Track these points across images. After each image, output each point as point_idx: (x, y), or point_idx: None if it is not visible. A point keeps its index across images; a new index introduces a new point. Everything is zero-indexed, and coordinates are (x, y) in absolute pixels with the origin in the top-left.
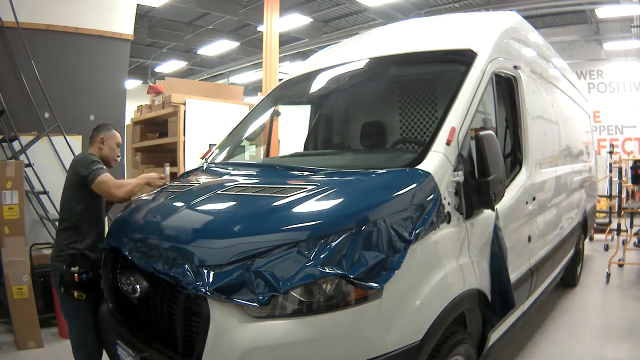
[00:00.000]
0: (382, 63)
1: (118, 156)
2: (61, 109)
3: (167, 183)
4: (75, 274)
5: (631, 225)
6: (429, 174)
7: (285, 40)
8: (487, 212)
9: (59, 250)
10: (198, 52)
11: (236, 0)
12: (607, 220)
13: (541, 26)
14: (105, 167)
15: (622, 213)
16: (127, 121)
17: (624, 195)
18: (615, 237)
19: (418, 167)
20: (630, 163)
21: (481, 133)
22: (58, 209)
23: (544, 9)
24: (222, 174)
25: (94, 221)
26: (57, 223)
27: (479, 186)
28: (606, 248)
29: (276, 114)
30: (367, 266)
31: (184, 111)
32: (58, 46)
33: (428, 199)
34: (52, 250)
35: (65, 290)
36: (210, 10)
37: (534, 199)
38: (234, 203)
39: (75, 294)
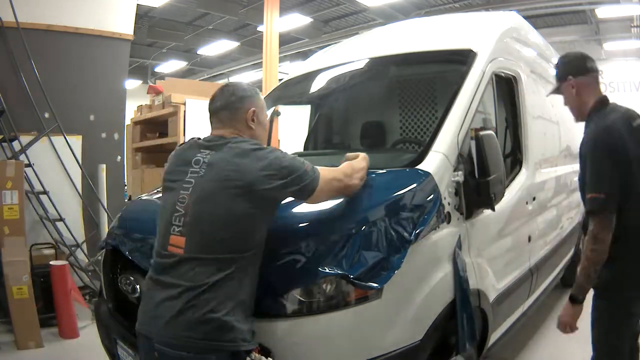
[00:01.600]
0: (382, 63)
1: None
2: (61, 109)
3: None
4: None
5: None
6: (429, 174)
7: (285, 40)
8: (487, 213)
9: (210, 327)
10: (198, 52)
11: (236, 0)
12: None
13: (541, 26)
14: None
15: None
16: (127, 121)
17: None
18: None
19: (418, 167)
20: None
21: (481, 133)
22: (58, 210)
23: (544, 9)
24: None
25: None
26: (57, 223)
27: (479, 186)
28: None
29: (276, 114)
30: (367, 266)
31: (184, 111)
32: (58, 46)
33: (428, 199)
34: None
35: None
36: (210, 10)
37: (534, 199)
38: None
39: None
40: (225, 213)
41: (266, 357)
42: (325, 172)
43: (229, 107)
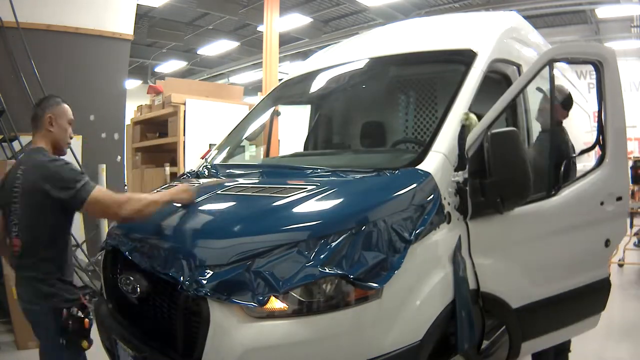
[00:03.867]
0: (382, 63)
1: (71, 138)
2: None
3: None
4: (86, 320)
5: (631, 226)
6: (429, 174)
7: (285, 40)
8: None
9: (52, 288)
10: (198, 52)
11: (236, 0)
12: None
13: (541, 26)
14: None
15: None
16: (127, 121)
17: None
18: None
19: (418, 167)
20: (630, 163)
21: (489, 132)
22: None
23: (544, 9)
24: (221, 174)
25: (68, 246)
26: None
27: (482, 187)
28: None
29: (276, 114)
30: (367, 266)
31: (184, 111)
32: (58, 46)
33: (428, 199)
34: (30, 288)
35: (70, 340)
36: (210, 10)
37: None
38: (234, 203)
39: (85, 344)
40: None
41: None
42: (97, 194)
43: (34, 117)
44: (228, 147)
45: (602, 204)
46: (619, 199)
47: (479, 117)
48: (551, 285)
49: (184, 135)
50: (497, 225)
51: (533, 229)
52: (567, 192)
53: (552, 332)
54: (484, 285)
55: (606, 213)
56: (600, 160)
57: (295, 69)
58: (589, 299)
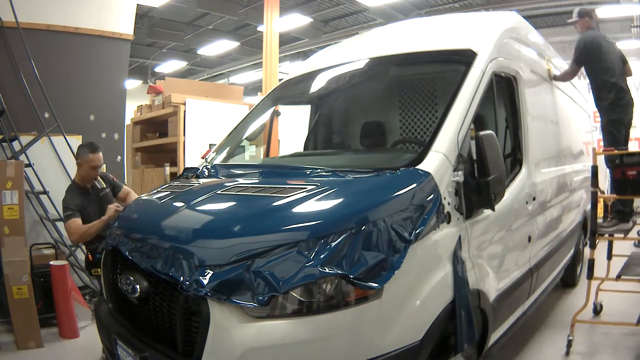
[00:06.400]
0: (382, 63)
1: (96, 176)
2: (61, 109)
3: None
4: (89, 254)
5: None
6: (429, 174)
7: (285, 40)
8: (487, 213)
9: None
10: (198, 52)
11: (236, 0)
12: None
13: (541, 26)
14: (76, 212)
15: None
16: (127, 121)
17: None
18: None
19: (418, 167)
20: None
21: (481, 133)
22: (58, 210)
23: (544, 9)
24: (221, 174)
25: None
26: (57, 223)
27: (479, 186)
28: None
29: (276, 114)
30: (367, 266)
31: (184, 111)
32: (58, 46)
33: (428, 199)
34: None
35: (87, 269)
36: (210, 10)
37: (534, 199)
38: (234, 203)
39: (92, 271)
40: None
41: None
42: (67, 226)
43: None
44: (228, 147)
45: (526, 203)
46: (534, 198)
47: (480, 117)
48: (506, 278)
49: (184, 135)
50: (483, 224)
51: (497, 227)
52: (512, 194)
53: (507, 320)
54: (474, 283)
55: (528, 211)
56: (519, 170)
57: (295, 69)
58: (521, 289)
